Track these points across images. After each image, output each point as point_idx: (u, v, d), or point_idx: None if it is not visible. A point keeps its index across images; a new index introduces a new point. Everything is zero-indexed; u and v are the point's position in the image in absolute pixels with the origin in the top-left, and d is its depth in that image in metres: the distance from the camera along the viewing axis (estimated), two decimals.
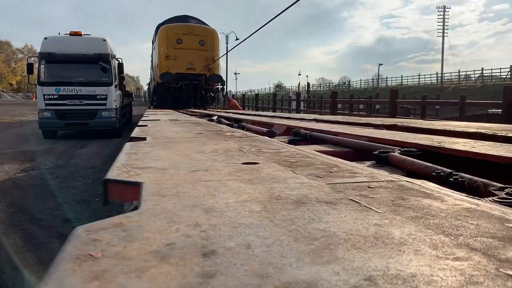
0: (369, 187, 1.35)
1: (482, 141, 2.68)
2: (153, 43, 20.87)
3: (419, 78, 56.45)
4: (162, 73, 16.25)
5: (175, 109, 13.97)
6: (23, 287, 3.37)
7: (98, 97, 13.06)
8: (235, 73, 66.53)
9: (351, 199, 1.18)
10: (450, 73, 55.03)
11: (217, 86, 18.12)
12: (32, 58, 15.76)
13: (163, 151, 2.27)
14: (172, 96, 16.46)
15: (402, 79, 59.51)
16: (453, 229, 0.91)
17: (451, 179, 1.67)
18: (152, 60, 22.54)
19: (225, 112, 11.81)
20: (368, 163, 2.23)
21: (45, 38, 13.00)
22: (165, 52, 16.63)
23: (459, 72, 51.54)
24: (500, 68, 47.52)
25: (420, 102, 17.60)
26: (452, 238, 0.85)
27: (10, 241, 4.20)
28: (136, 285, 0.62)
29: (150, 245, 0.78)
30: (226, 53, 18.08)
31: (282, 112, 21.52)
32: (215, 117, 7.28)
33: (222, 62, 18.36)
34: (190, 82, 16.47)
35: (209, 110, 13.81)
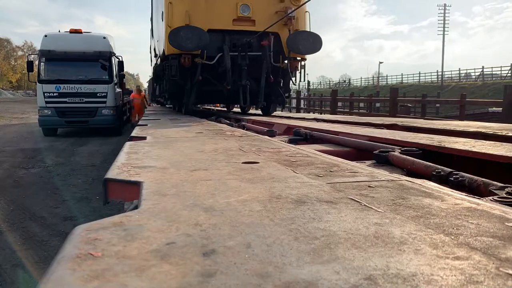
0: (369, 186, 1.35)
1: (482, 141, 2.68)
2: None
3: (419, 76, 56.42)
4: (175, 29, 6.67)
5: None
6: (23, 286, 3.38)
7: (98, 95, 13.06)
8: None
9: (351, 199, 1.18)
10: (451, 71, 55.07)
11: (303, 63, 8.11)
12: (32, 55, 15.76)
13: (163, 151, 2.27)
14: (200, 87, 7.55)
15: (402, 77, 59.51)
16: (453, 229, 0.91)
17: (452, 179, 1.67)
18: (152, 25, 12.74)
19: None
20: (369, 162, 2.23)
21: (45, 36, 13.01)
22: None
23: (459, 70, 51.56)
24: (501, 67, 47.56)
25: (420, 101, 17.64)
26: (452, 237, 0.85)
27: (10, 239, 4.21)
28: (136, 284, 0.62)
29: (150, 244, 0.78)
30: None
31: (282, 111, 21.48)
32: (214, 117, 7.28)
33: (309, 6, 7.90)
34: (241, 54, 7.10)
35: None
